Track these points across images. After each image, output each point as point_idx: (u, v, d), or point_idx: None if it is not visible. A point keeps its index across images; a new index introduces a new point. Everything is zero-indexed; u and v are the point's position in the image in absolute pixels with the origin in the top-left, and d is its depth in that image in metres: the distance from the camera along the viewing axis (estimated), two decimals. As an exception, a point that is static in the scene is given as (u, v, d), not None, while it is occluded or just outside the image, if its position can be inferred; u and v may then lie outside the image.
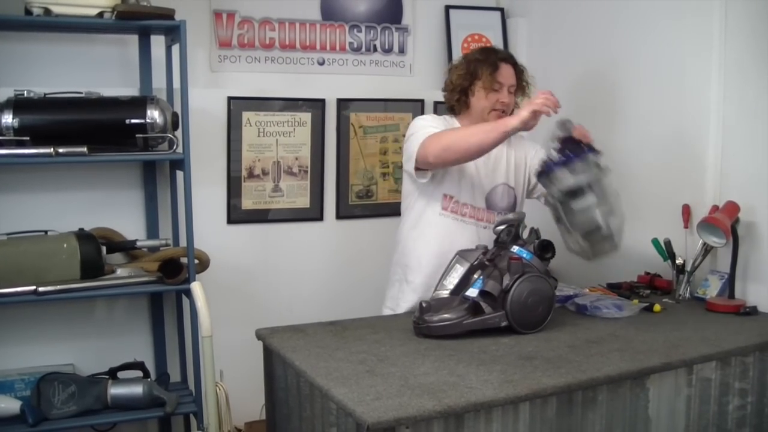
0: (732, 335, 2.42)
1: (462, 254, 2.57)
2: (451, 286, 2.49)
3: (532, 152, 2.89)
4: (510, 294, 2.36)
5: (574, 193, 2.39)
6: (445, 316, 2.35)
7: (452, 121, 2.85)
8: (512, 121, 2.52)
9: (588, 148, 2.44)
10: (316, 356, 2.21)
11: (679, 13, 3.03)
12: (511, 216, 2.63)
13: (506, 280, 2.38)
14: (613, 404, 2.11)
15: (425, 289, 2.71)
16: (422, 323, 2.36)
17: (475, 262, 2.49)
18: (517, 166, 2.88)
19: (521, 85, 2.83)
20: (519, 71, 2.82)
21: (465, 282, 2.47)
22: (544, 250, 2.50)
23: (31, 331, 3.13)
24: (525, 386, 1.95)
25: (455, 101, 2.82)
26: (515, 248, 2.49)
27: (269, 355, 2.43)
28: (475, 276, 2.45)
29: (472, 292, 2.40)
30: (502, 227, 2.58)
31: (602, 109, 3.42)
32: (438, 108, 3.74)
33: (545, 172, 2.44)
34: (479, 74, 2.75)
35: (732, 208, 2.77)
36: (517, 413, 1.95)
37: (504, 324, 2.37)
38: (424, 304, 2.38)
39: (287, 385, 2.30)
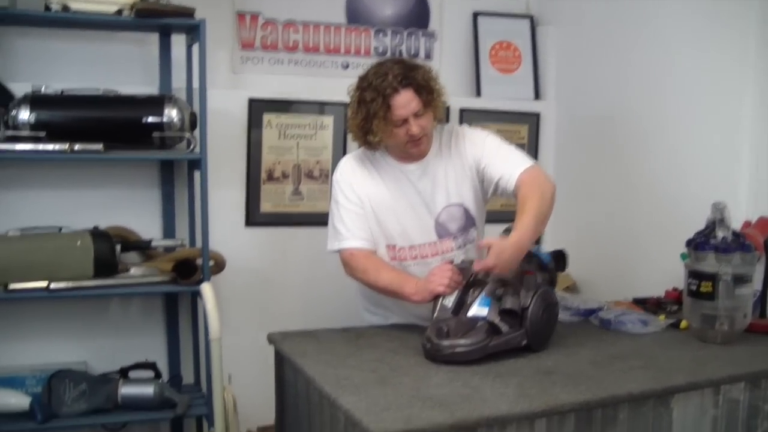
0: (762, 356, 2.32)
1: None
2: (450, 306, 2.33)
3: (479, 151, 2.56)
4: (529, 311, 2.25)
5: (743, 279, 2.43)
6: (468, 341, 2.16)
7: (379, 156, 2.59)
8: (414, 298, 2.41)
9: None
10: (327, 363, 2.15)
11: (714, 22, 2.95)
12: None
13: (522, 297, 2.26)
14: (634, 424, 2.02)
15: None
16: (445, 350, 2.15)
17: (471, 279, 2.36)
18: (461, 178, 2.57)
19: (428, 101, 2.45)
20: (419, 87, 2.42)
21: (461, 300, 2.33)
22: (561, 259, 2.43)
23: (45, 327, 3.11)
24: (542, 402, 1.88)
25: (363, 144, 2.54)
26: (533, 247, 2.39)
27: (280, 360, 2.39)
28: (475, 294, 2.31)
29: (481, 311, 2.25)
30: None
31: (633, 119, 3.36)
32: (464, 116, 3.72)
33: (724, 250, 2.43)
34: (375, 118, 2.41)
35: (765, 223, 2.68)
36: (533, 430, 1.87)
37: (524, 343, 2.26)
38: (445, 328, 2.21)
39: (297, 392, 2.24)
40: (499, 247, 2.28)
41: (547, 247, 2.54)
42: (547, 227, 3.78)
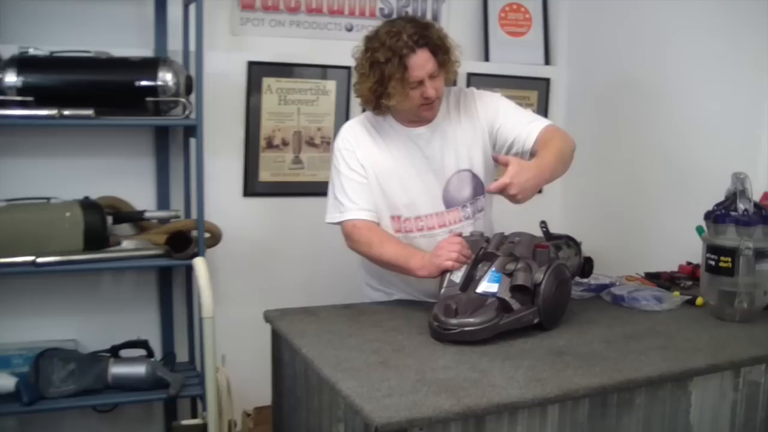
0: (784, 335, 2.23)
1: None
2: (459, 281, 2.23)
3: (492, 113, 2.49)
4: (541, 287, 2.15)
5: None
6: (478, 319, 2.05)
7: (383, 122, 2.50)
8: (420, 273, 2.31)
9: None
10: (326, 343, 2.05)
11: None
12: None
13: (534, 272, 2.16)
14: (651, 408, 1.93)
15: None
16: (454, 329, 2.05)
17: (480, 253, 2.26)
18: (471, 140, 2.48)
19: (443, 61, 2.35)
20: (435, 47, 2.33)
21: (470, 275, 2.23)
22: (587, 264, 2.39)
23: (32, 304, 3.04)
24: (554, 386, 1.78)
25: (373, 109, 2.44)
26: None
27: (277, 339, 2.29)
28: (485, 268, 2.20)
29: (491, 287, 2.14)
30: None
31: (648, 86, 3.28)
32: (472, 80, 3.61)
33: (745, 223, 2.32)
34: (389, 80, 2.30)
35: (786, 195, 2.59)
36: (545, 416, 1.77)
37: (536, 321, 2.16)
38: (453, 306, 2.10)
39: (295, 373, 2.15)
40: (518, 165, 2.18)
41: (559, 224, 2.44)
42: (558, 197, 3.73)
